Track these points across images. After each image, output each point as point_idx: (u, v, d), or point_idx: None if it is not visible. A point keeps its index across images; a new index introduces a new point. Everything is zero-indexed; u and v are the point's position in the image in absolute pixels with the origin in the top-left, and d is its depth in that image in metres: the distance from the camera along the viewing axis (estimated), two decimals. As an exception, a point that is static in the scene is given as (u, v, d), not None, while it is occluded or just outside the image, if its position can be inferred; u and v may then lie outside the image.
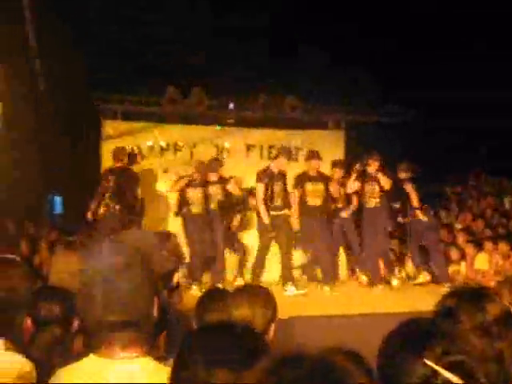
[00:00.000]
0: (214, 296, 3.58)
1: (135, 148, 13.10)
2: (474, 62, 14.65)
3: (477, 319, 2.03)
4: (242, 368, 1.54)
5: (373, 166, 10.92)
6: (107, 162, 12.86)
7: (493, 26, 14.50)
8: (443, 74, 15.14)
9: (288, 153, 11.48)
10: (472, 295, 2.16)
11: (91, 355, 1.97)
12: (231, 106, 13.75)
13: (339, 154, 14.12)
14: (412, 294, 9.94)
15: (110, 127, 13.23)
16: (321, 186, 10.87)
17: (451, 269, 11.65)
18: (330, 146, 14.11)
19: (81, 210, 13.42)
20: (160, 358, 2.04)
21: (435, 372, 1.48)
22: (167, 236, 10.03)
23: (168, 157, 13.29)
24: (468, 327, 1.99)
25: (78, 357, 2.04)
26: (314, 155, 10.98)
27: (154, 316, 2.02)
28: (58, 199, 16.82)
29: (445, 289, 9.34)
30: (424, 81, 15.02)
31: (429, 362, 1.49)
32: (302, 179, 10.96)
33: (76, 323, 3.11)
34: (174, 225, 11.81)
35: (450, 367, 1.49)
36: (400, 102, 14.94)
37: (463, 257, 11.44)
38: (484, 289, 2.31)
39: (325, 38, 14.81)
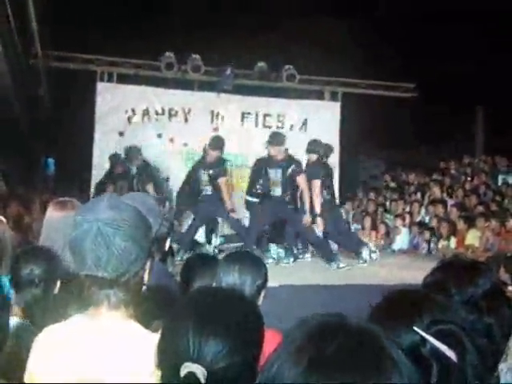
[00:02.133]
0: (202, 261, 3.58)
1: (130, 112, 13.04)
2: (473, 36, 14.58)
3: (467, 293, 2.02)
4: (234, 336, 1.54)
5: None
6: (101, 124, 12.85)
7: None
8: (442, 47, 15.05)
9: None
10: (462, 268, 2.15)
11: (78, 315, 1.96)
12: (228, 72, 13.67)
13: (334, 125, 14.11)
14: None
15: (105, 90, 13.16)
16: None
17: (441, 244, 11.71)
18: (326, 117, 14.08)
19: (73, 172, 13.44)
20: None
21: (424, 340, 1.48)
22: (162, 201, 10.07)
23: (162, 121, 13.23)
24: (457, 300, 1.98)
25: (63, 317, 2.03)
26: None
27: (145, 278, 2.00)
28: (51, 161, 16.75)
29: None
30: (423, 54, 14.93)
31: (418, 330, 1.49)
32: None
33: (58, 284, 3.10)
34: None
35: (438, 336, 1.49)
36: (398, 75, 14.89)
37: (454, 232, 11.48)
38: (475, 262, 2.29)
39: (325, 11, 14.69)
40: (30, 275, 3.04)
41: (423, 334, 1.48)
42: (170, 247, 3.64)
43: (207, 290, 1.85)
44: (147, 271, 1.99)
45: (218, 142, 10.28)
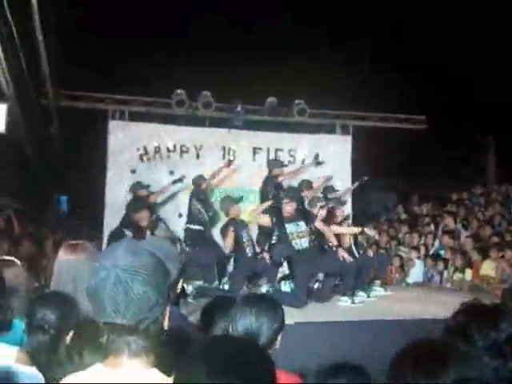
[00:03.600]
0: (220, 305, 3.55)
1: (142, 149, 13.10)
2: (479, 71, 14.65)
3: (490, 338, 1.97)
4: None
5: None
6: (113, 162, 12.90)
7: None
8: (452, 79, 15.11)
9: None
10: (484, 311, 2.11)
11: (98, 364, 1.93)
12: (239, 108, 13.74)
13: (346, 159, 14.11)
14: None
15: (117, 128, 13.23)
16: None
17: (456, 276, 11.62)
18: (337, 150, 14.09)
19: (86, 210, 13.47)
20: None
21: None
22: (174, 242, 9.98)
23: (174, 158, 13.26)
24: (481, 346, 1.94)
25: (79, 366, 2.01)
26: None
27: (165, 324, 1.98)
28: (63, 199, 16.83)
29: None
30: (433, 85, 14.99)
31: None
32: None
33: (70, 334, 3.06)
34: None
35: None
36: (409, 108, 14.92)
37: (469, 264, 11.40)
38: (497, 306, 2.25)
39: (335, 44, 14.79)
40: (41, 320, 3.01)
41: None
42: (183, 288, 3.62)
43: (220, 339, 1.83)
44: (167, 317, 1.97)
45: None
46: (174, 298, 3.38)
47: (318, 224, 9.58)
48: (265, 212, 9.95)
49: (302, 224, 9.36)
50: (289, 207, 9.41)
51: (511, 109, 15.17)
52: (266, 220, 9.75)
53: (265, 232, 10.29)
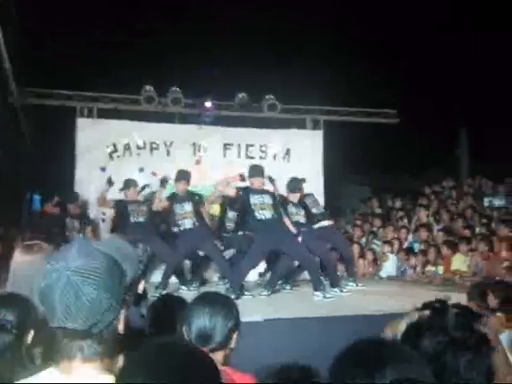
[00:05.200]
0: (169, 304, 3.49)
1: (111, 146, 12.97)
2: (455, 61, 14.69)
3: (439, 335, 1.95)
4: None
5: None
6: (82, 160, 12.77)
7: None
8: (422, 69, 15.16)
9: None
10: (436, 310, 2.07)
11: (50, 369, 1.85)
12: (209, 104, 13.66)
13: (317, 153, 14.09)
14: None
15: (85, 125, 13.09)
16: None
17: (428, 270, 11.65)
18: (308, 145, 14.07)
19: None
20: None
21: None
22: (135, 241, 9.88)
23: (144, 155, 13.15)
24: (430, 343, 1.92)
25: (34, 369, 1.93)
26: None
27: (120, 328, 1.91)
28: (36, 198, 16.63)
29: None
30: (404, 78, 15.01)
31: None
32: None
33: (31, 335, 2.99)
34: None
35: None
36: (380, 101, 14.93)
37: (441, 258, 11.43)
38: (445, 304, 2.21)
39: (305, 39, 14.76)
40: (2, 321, 2.94)
41: None
42: (144, 290, 3.54)
43: (162, 345, 1.75)
44: (122, 321, 1.89)
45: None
46: (134, 298, 3.31)
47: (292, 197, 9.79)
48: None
49: (267, 197, 9.38)
50: (257, 183, 9.46)
51: (483, 102, 15.25)
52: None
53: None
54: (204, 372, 1.60)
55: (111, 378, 1.80)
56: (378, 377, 1.48)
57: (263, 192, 9.45)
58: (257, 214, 9.27)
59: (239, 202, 9.87)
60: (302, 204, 10.20)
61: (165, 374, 1.52)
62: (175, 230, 10.36)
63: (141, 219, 10.43)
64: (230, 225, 11.00)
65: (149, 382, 1.49)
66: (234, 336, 2.93)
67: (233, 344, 2.93)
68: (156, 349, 1.66)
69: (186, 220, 9.90)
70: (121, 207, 10.59)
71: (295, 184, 10.15)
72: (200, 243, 9.90)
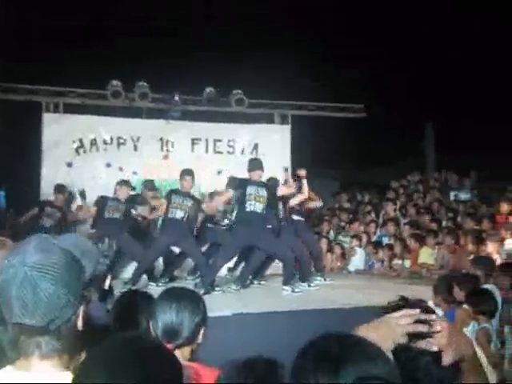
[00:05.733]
0: (135, 299, 3.46)
1: (77, 142, 12.85)
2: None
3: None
4: None
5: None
6: (48, 155, 12.63)
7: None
8: (389, 66, 15.22)
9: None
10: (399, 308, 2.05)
11: (8, 367, 1.82)
12: (176, 99, 13.59)
13: (286, 148, 14.09)
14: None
15: (51, 120, 12.94)
16: None
17: (394, 263, 11.73)
18: (276, 140, 14.08)
19: (23, 204, 13.13)
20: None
21: None
22: (101, 237, 9.79)
23: (111, 150, 13.05)
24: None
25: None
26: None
27: (78, 324, 1.88)
28: (1, 194, 16.40)
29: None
30: (370, 73, 15.07)
31: None
32: None
33: None
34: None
35: None
36: (347, 96, 14.97)
37: (408, 251, 11.51)
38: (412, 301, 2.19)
39: (274, 33, 14.74)
40: None
41: None
42: (110, 286, 3.51)
43: (116, 339, 1.72)
44: (80, 317, 1.86)
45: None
46: (100, 294, 3.28)
47: (284, 190, 9.72)
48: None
49: (263, 190, 9.35)
50: (256, 176, 9.45)
51: (449, 96, 15.36)
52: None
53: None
54: (166, 368, 1.59)
55: (70, 376, 1.77)
56: (341, 374, 1.47)
57: (260, 184, 9.44)
58: (247, 204, 9.27)
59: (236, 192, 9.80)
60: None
61: (125, 369, 1.50)
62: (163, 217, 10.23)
63: (116, 216, 10.36)
64: (218, 217, 10.93)
65: (109, 377, 1.47)
66: (201, 331, 2.91)
67: (200, 339, 2.91)
68: (117, 344, 1.64)
69: (178, 210, 9.83)
70: (100, 203, 10.54)
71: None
72: (181, 238, 9.81)
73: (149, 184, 11.24)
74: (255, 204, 9.24)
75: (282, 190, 9.77)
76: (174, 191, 10.08)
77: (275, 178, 10.63)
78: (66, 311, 1.77)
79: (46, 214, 10.95)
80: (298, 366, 1.55)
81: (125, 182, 10.80)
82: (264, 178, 9.83)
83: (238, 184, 9.51)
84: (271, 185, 9.83)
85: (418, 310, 1.86)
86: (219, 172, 13.34)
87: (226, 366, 2.09)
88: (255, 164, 9.66)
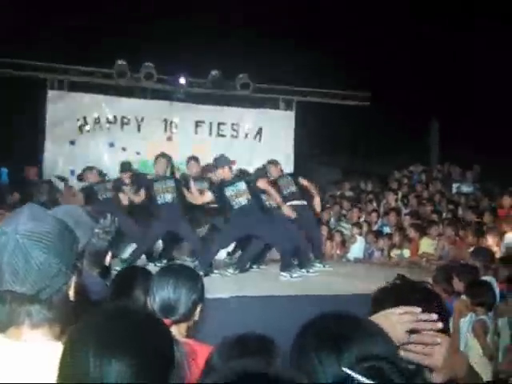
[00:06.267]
0: (133, 274, 3.45)
1: (81, 120, 12.82)
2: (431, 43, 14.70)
3: None
4: (137, 356, 1.47)
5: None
6: (51, 133, 12.62)
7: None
8: (397, 56, 15.16)
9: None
10: (399, 292, 2.04)
11: (-1, 335, 1.81)
12: (182, 81, 13.55)
13: (289, 134, 14.08)
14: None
15: (56, 98, 12.92)
16: None
17: (394, 252, 11.72)
18: (280, 126, 14.05)
19: (26, 181, 13.13)
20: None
21: (351, 376, 1.40)
22: (103, 213, 9.71)
23: (114, 130, 13.03)
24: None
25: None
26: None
27: (71, 294, 1.86)
28: (4, 170, 16.39)
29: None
30: (378, 62, 15.00)
31: (346, 370, 1.41)
32: None
33: None
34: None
35: (367, 373, 1.41)
36: (353, 84, 14.93)
37: (408, 241, 11.50)
38: (416, 284, 2.18)
39: (280, 20, 14.67)
40: None
41: (351, 372, 1.40)
42: (109, 263, 3.49)
43: (109, 308, 1.71)
44: (72, 287, 1.84)
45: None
46: (101, 270, 3.26)
47: (260, 183, 9.59)
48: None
49: (241, 184, 9.32)
50: (224, 173, 9.38)
51: (455, 92, 15.31)
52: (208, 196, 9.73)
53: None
54: (157, 339, 1.58)
55: (61, 346, 1.76)
56: (343, 353, 1.47)
57: (235, 181, 9.41)
58: (233, 203, 9.27)
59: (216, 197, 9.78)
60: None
61: (115, 337, 1.50)
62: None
63: (108, 195, 10.35)
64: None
65: (98, 344, 1.47)
66: (198, 309, 2.92)
67: (196, 316, 2.92)
68: (108, 312, 1.64)
69: (164, 194, 9.81)
70: (88, 189, 10.50)
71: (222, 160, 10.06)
72: (175, 223, 9.79)
73: (124, 166, 10.98)
74: (239, 200, 9.25)
75: (260, 183, 9.74)
76: (151, 180, 10.06)
77: (262, 168, 10.56)
78: (58, 280, 1.76)
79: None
80: (298, 346, 1.55)
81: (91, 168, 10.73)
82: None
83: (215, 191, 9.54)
84: (251, 178, 9.81)
85: (419, 309, 1.84)
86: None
87: (219, 342, 2.09)
88: (221, 160, 9.60)
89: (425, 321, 1.82)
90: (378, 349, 1.49)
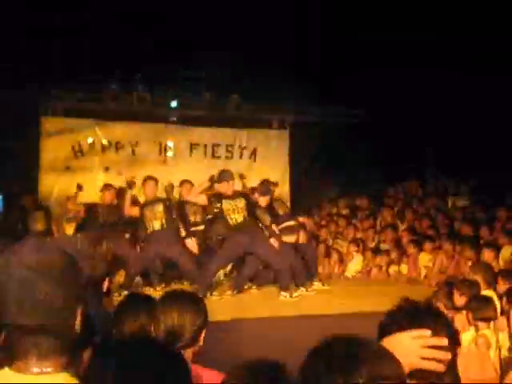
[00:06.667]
0: (137, 302, 3.45)
1: (76, 145, 12.82)
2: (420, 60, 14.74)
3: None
4: None
5: None
6: (46, 159, 12.61)
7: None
8: (391, 72, 15.19)
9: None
10: (408, 314, 2.03)
11: (6, 369, 1.79)
12: (175, 103, 13.59)
13: (284, 153, 14.10)
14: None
15: (49, 124, 12.92)
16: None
17: (392, 269, 11.72)
18: (275, 145, 14.08)
19: (21, 209, 13.09)
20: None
21: None
22: (99, 240, 9.72)
23: (109, 155, 13.03)
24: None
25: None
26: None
27: (77, 325, 1.86)
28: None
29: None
30: (371, 78, 15.04)
31: None
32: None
33: None
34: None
35: None
36: (346, 102, 14.96)
37: (406, 257, 11.51)
38: (422, 306, 2.17)
39: (271, 37, 14.72)
40: None
41: None
42: (108, 289, 3.49)
43: (133, 342, 1.72)
44: (78, 318, 1.84)
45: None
46: (100, 297, 3.26)
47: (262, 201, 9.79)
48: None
49: (240, 201, 9.39)
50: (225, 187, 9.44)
51: (452, 109, 15.33)
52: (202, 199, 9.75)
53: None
54: (177, 371, 1.58)
55: (68, 377, 1.75)
56: (353, 374, 1.47)
57: (235, 196, 9.42)
58: (229, 218, 9.28)
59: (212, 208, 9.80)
60: (269, 208, 10.16)
61: (137, 374, 1.51)
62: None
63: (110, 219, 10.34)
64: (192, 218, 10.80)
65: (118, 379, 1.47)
66: (203, 333, 2.92)
67: (201, 342, 2.92)
68: (128, 348, 1.63)
69: (153, 222, 9.80)
70: (90, 210, 10.49)
71: (265, 187, 10.14)
72: (166, 249, 9.76)
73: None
74: (235, 216, 9.31)
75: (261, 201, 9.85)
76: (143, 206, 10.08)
77: (266, 183, 10.58)
78: (64, 312, 1.75)
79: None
80: (309, 369, 1.54)
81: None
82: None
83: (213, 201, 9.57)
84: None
85: (428, 332, 1.84)
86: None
87: (231, 369, 2.09)
88: (224, 175, 9.62)
89: (435, 346, 1.82)
90: (387, 370, 1.50)
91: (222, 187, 9.39)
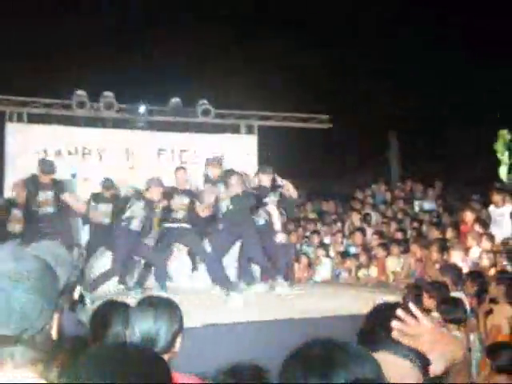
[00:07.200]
0: (112, 308, 3.42)
1: (42, 152, 12.67)
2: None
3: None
4: None
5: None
6: (10, 166, 12.46)
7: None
8: (353, 80, 15.32)
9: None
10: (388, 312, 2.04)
11: (-21, 379, 1.77)
12: (142, 109, 13.52)
13: (252, 158, 14.10)
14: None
15: (14, 130, 12.77)
16: None
17: (361, 272, 11.78)
18: (243, 150, 14.08)
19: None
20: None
21: None
22: (70, 247, 9.63)
23: (76, 161, 12.92)
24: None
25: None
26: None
27: (53, 334, 1.83)
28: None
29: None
30: (335, 84, 15.15)
31: None
32: None
33: None
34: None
35: None
36: (315, 107, 15.02)
37: (375, 260, 11.58)
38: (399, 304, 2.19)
39: (239, 44, 14.75)
40: None
41: None
42: (81, 295, 3.46)
43: (108, 348, 1.69)
44: (55, 326, 1.82)
45: None
46: (70, 304, 3.22)
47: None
48: None
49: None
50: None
51: (414, 107, 15.49)
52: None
53: None
54: (159, 376, 1.57)
55: (44, 382, 1.74)
56: (331, 378, 1.47)
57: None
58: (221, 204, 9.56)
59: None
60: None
61: (117, 375, 1.48)
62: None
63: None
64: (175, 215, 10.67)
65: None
66: (178, 339, 2.91)
67: (177, 347, 2.91)
68: (105, 350, 1.61)
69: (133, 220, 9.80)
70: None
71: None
72: (137, 246, 9.80)
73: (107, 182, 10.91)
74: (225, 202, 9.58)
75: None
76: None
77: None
78: (40, 320, 1.73)
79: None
80: (286, 372, 1.54)
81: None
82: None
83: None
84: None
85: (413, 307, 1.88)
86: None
87: (212, 372, 2.08)
88: (212, 159, 9.81)
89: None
90: (365, 372, 1.50)
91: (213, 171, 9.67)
